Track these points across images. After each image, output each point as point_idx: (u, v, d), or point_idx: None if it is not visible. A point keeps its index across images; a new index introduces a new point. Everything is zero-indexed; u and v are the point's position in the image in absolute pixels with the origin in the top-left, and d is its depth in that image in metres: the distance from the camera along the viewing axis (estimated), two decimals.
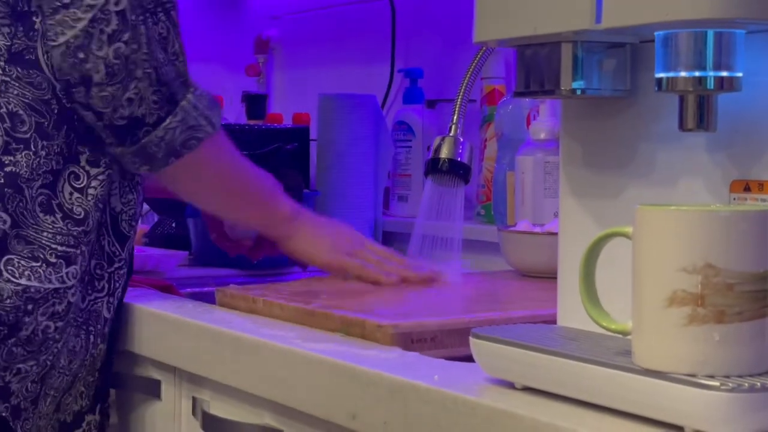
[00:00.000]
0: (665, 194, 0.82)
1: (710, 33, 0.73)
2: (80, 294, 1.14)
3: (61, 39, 1.08)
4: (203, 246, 1.64)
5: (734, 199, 0.78)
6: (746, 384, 0.65)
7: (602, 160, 0.87)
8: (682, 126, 0.77)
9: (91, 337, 1.16)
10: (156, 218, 1.84)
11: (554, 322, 0.90)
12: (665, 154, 0.83)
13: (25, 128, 1.11)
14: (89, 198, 1.14)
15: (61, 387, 1.15)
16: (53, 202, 1.12)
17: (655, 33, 0.76)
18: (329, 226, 1.33)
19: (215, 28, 2.47)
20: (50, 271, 1.11)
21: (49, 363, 1.11)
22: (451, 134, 1.32)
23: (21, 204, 1.10)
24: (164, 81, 1.12)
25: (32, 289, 1.09)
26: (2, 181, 1.09)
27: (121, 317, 1.21)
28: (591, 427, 0.68)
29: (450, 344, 0.99)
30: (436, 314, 1.04)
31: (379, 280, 1.25)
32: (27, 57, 1.11)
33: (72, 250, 1.12)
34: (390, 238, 1.87)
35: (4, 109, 1.10)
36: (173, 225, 1.78)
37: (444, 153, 1.32)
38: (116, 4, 1.09)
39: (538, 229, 1.40)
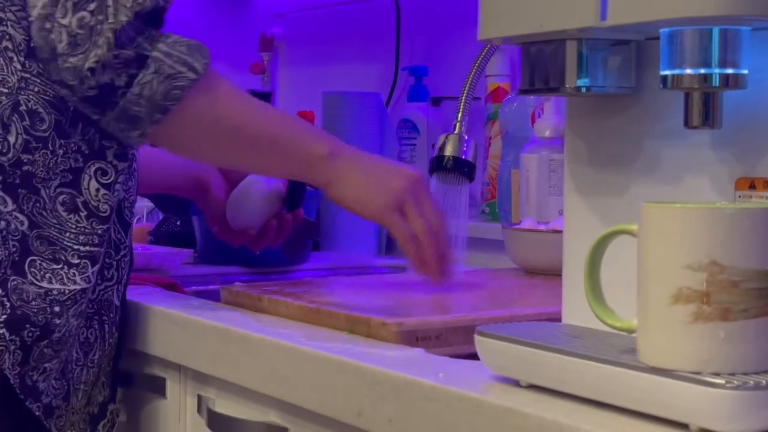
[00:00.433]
0: (670, 192, 0.82)
1: (715, 30, 0.73)
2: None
3: (34, 12, 1.05)
4: (208, 244, 1.65)
5: (739, 196, 0.78)
6: (751, 381, 0.65)
7: (607, 157, 0.87)
8: (687, 123, 0.77)
9: (106, 326, 1.15)
10: (161, 216, 1.84)
11: (559, 319, 0.90)
12: (670, 152, 0.82)
13: (44, 126, 1.09)
14: (115, 193, 1.13)
15: (90, 380, 1.15)
16: (78, 200, 1.11)
17: (660, 30, 0.76)
18: (379, 166, 1.15)
19: (220, 26, 2.47)
20: (73, 272, 1.10)
21: (65, 357, 1.11)
22: (455, 132, 1.32)
23: (39, 204, 1.09)
24: (124, 42, 1.04)
25: (55, 292, 1.08)
26: (18, 181, 1.08)
27: (126, 310, 1.21)
28: (596, 425, 0.68)
29: (455, 342, 0.99)
30: (441, 312, 1.04)
31: (420, 270, 1.14)
32: None
33: (97, 249, 1.11)
34: None
35: (24, 107, 1.08)
36: (178, 223, 1.78)
37: (449, 151, 1.31)
38: None
39: (542, 227, 1.39)
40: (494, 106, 1.76)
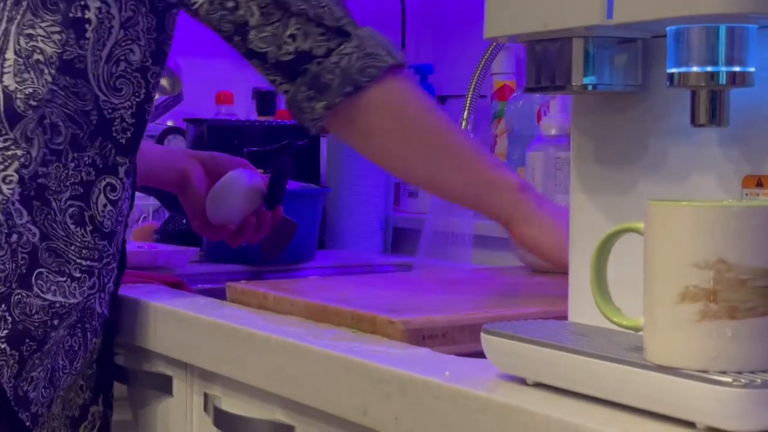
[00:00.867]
0: (677, 190, 0.82)
1: (722, 28, 0.73)
2: None
3: (199, 1, 1.07)
4: (214, 242, 1.65)
5: (746, 194, 0.78)
6: (759, 380, 0.65)
7: (613, 155, 0.87)
8: (694, 121, 0.77)
9: (88, 334, 1.15)
10: (167, 215, 1.84)
11: (565, 318, 0.90)
12: (677, 150, 0.82)
13: (60, 139, 1.09)
14: (119, 211, 1.14)
15: (65, 386, 1.15)
16: (86, 214, 1.11)
17: (667, 28, 0.76)
18: (561, 212, 1.08)
19: None
20: (75, 286, 1.11)
21: (49, 366, 1.12)
22: None
23: (50, 216, 1.09)
24: (323, 17, 1.06)
25: (57, 305, 1.09)
26: (33, 193, 1.08)
27: (120, 311, 1.21)
28: (602, 423, 0.68)
29: (461, 340, 0.99)
30: (447, 310, 1.03)
31: None
32: (77, 66, 1.10)
33: (95, 264, 1.12)
34: (401, 235, 1.87)
35: (48, 120, 1.09)
36: (184, 221, 1.78)
37: None
38: None
39: None
40: (500, 104, 1.76)
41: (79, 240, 1.11)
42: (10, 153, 1.08)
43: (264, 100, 2.05)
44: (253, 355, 1.01)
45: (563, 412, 0.70)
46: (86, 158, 1.11)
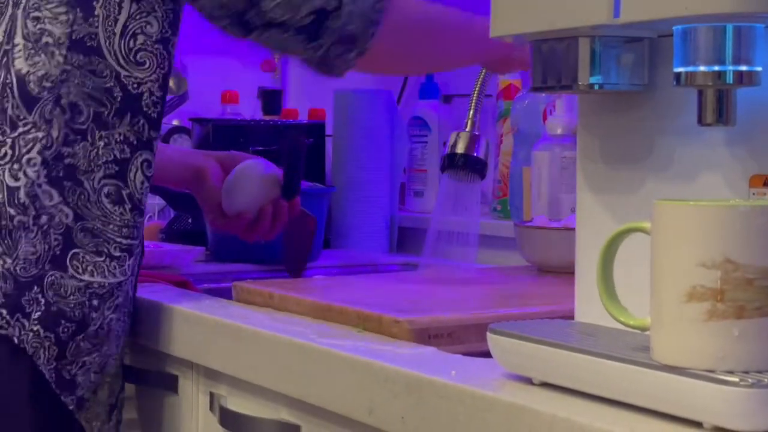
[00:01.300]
0: (683, 189, 0.82)
1: (729, 27, 0.73)
2: None
3: None
4: (220, 242, 1.65)
5: (753, 194, 0.78)
6: (766, 380, 0.65)
7: (620, 155, 0.87)
8: (700, 121, 0.77)
9: (127, 318, 1.16)
10: (173, 214, 1.84)
11: (572, 317, 0.89)
12: (684, 149, 0.82)
13: (82, 119, 1.08)
14: (150, 185, 1.14)
15: (113, 372, 1.15)
16: (123, 192, 1.11)
17: (674, 27, 0.75)
18: None
19: None
20: (114, 266, 1.10)
21: (108, 352, 1.12)
22: (467, 129, 1.32)
23: (83, 196, 1.09)
24: None
25: (95, 285, 1.09)
26: (61, 174, 1.08)
27: (137, 307, 1.21)
28: (609, 423, 0.68)
29: (467, 340, 0.99)
30: (453, 310, 1.03)
31: None
32: (89, 44, 1.09)
33: (134, 242, 1.12)
34: (406, 234, 1.87)
35: (65, 100, 1.08)
36: (189, 221, 1.78)
37: (460, 148, 1.31)
38: None
39: (554, 225, 1.39)
40: (506, 104, 1.76)
41: (118, 219, 1.10)
42: (31, 136, 1.08)
43: (269, 100, 2.05)
44: (259, 355, 1.01)
45: (569, 412, 0.70)
46: (117, 135, 1.10)
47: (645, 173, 0.85)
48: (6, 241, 1.06)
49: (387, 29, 1.12)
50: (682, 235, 0.69)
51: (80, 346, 1.08)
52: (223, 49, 2.44)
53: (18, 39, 1.09)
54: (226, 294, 1.26)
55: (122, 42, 1.10)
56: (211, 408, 1.13)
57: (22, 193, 1.07)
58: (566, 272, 1.13)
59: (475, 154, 1.31)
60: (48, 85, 1.08)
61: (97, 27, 1.09)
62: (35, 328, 1.06)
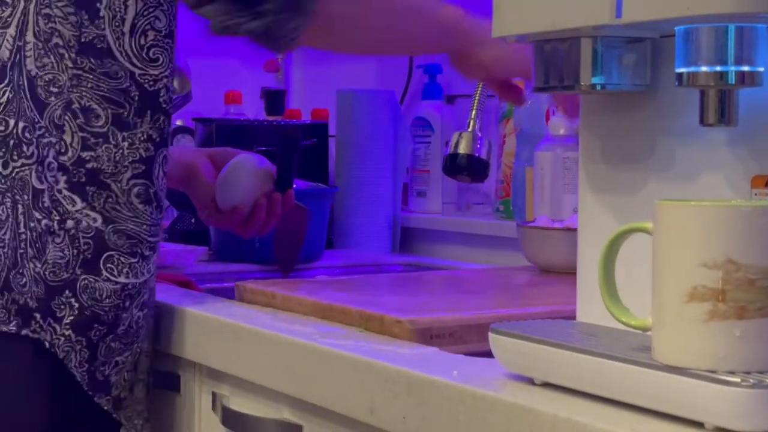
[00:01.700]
0: (685, 190, 0.82)
1: (731, 27, 0.73)
2: None
3: None
4: (222, 242, 1.65)
5: (755, 194, 0.78)
6: (767, 380, 0.65)
7: (622, 155, 0.87)
8: (702, 121, 0.77)
9: (152, 312, 1.16)
10: (175, 214, 1.84)
11: (574, 318, 0.89)
12: (685, 150, 0.82)
13: (101, 122, 1.07)
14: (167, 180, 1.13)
15: (146, 370, 1.15)
16: (150, 191, 1.10)
17: (676, 28, 0.75)
18: None
19: None
20: (143, 264, 1.10)
21: (139, 350, 1.12)
22: (469, 130, 1.32)
23: (111, 199, 1.08)
24: None
25: (130, 286, 1.09)
26: (84, 179, 1.07)
27: None
28: (610, 423, 0.68)
29: (469, 340, 0.99)
30: (455, 310, 1.03)
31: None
32: (99, 46, 1.07)
33: (157, 239, 1.12)
34: (408, 234, 1.87)
35: (77, 105, 1.07)
36: (192, 221, 1.78)
37: (462, 149, 1.31)
38: None
39: (557, 225, 1.39)
40: (508, 104, 1.76)
41: (148, 218, 1.10)
42: (45, 140, 1.07)
43: (272, 100, 2.05)
44: (261, 355, 1.01)
45: (571, 412, 0.70)
46: (140, 135, 1.09)
47: (647, 173, 0.85)
48: (36, 245, 1.06)
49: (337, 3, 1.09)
50: (683, 235, 0.69)
51: (111, 346, 1.08)
52: (226, 50, 2.44)
53: (29, 36, 1.08)
54: (228, 294, 1.26)
55: (133, 41, 1.09)
56: (214, 408, 1.13)
57: (46, 197, 1.07)
58: (568, 272, 1.13)
59: (477, 155, 1.31)
60: (55, 90, 1.07)
61: (104, 29, 1.08)
62: (67, 333, 1.06)
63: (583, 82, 0.81)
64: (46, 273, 1.06)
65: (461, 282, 1.30)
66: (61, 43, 1.07)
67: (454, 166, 1.31)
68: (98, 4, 1.08)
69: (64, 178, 1.07)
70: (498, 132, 1.77)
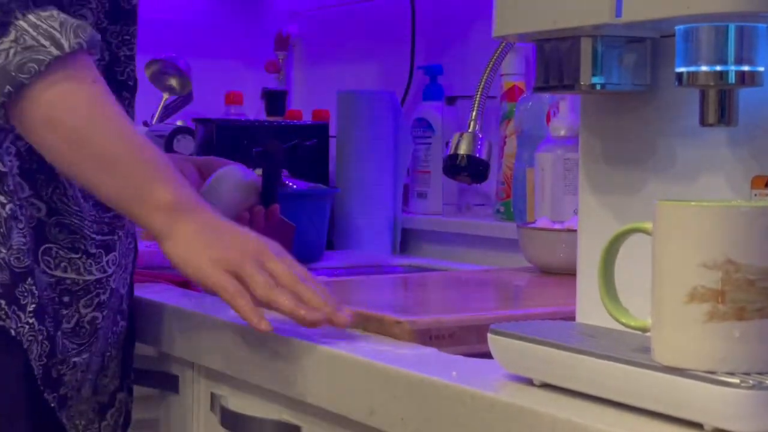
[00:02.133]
0: (685, 190, 0.82)
1: (732, 27, 0.73)
2: None
3: None
4: None
5: (755, 194, 0.77)
6: (767, 381, 0.65)
7: (622, 155, 0.86)
8: (702, 121, 0.77)
9: (117, 316, 1.15)
10: None
11: (573, 319, 0.89)
12: (685, 150, 0.82)
13: None
14: None
15: (95, 369, 1.15)
16: None
17: (676, 27, 0.75)
18: (224, 229, 1.01)
19: (235, 24, 2.47)
20: (90, 263, 1.08)
21: (98, 352, 1.11)
22: (469, 130, 1.31)
23: (58, 190, 1.06)
24: None
25: (68, 281, 1.07)
26: (35, 166, 1.05)
27: (139, 306, 1.21)
28: (609, 424, 0.68)
29: (468, 341, 0.99)
30: (454, 311, 1.03)
31: (247, 318, 0.95)
32: None
33: (109, 237, 1.10)
34: (409, 235, 1.87)
35: None
36: None
37: (462, 149, 1.31)
38: None
39: (557, 226, 1.39)
40: (509, 105, 1.76)
41: (90, 215, 1.08)
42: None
43: (273, 101, 2.05)
44: (260, 355, 1.01)
45: (570, 413, 0.70)
46: None
47: (647, 174, 0.85)
48: (1, 230, 1.03)
49: (32, 100, 0.98)
50: (683, 236, 0.69)
51: (65, 344, 1.07)
52: (226, 50, 2.45)
53: None
54: None
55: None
56: (212, 408, 1.13)
57: (9, 180, 1.04)
58: (568, 274, 1.13)
59: (477, 155, 1.30)
60: None
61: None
62: (30, 321, 1.04)
63: (583, 81, 0.81)
64: (11, 259, 1.03)
65: (461, 283, 1.30)
66: None
67: (454, 166, 1.31)
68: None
69: (18, 163, 1.05)
70: (499, 133, 1.77)
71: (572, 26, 0.79)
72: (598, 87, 0.82)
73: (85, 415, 1.14)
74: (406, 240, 1.87)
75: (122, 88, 1.14)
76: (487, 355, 0.83)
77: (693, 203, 0.70)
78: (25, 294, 1.04)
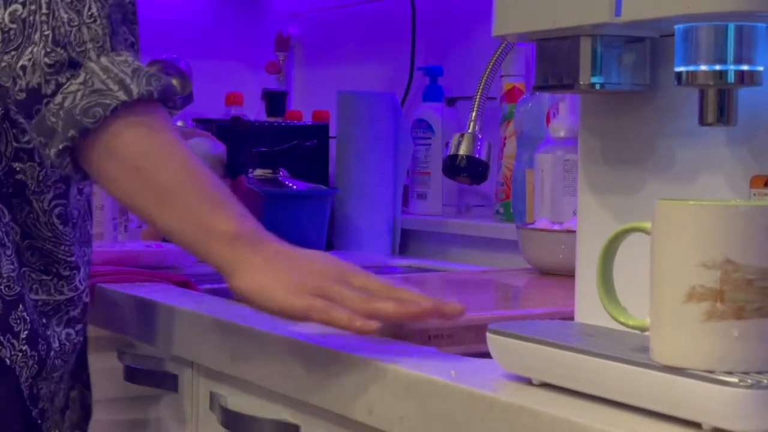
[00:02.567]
0: (685, 190, 0.82)
1: (731, 26, 0.73)
2: None
3: None
4: None
5: (754, 194, 0.77)
6: (765, 380, 0.65)
7: (621, 155, 0.86)
8: (702, 121, 0.77)
9: (81, 326, 1.12)
10: None
11: (572, 319, 0.89)
12: (685, 150, 0.82)
13: (26, 138, 1.02)
14: (84, 197, 1.09)
15: (67, 379, 1.13)
16: (68, 210, 1.07)
17: (675, 26, 0.75)
18: (297, 255, 0.94)
19: (236, 25, 2.47)
20: (62, 284, 1.07)
21: (70, 364, 1.11)
22: (469, 131, 1.31)
23: (32, 216, 1.04)
24: (63, 42, 0.94)
25: (40, 302, 1.06)
26: (11, 190, 1.04)
27: (126, 310, 1.20)
28: (608, 424, 0.68)
29: (467, 341, 0.99)
30: None
31: (350, 326, 0.88)
32: None
33: (79, 258, 1.09)
34: (409, 236, 1.87)
35: (9, 117, 1.01)
36: None
37: (462, 150, 1.31)
38: None
39: (557, 227, 1.39)
40: (509, 106, 1.76)
41: (67, 239, 1.06)
42: None
43: (273, 101, 2.05)
44: (259, 355, 1.01)
45: (569, 413, 0.70)
46: None
47: (646, 174, 0.85)
48: None
49: (98, 145, 0.94)
50: (682, 235, 0.69)
51: (55, 363, 1.06)
52: (227, 51, 2.45)
53: None
54: (227, 294, 1.25)
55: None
56: (212, 408, 1.13)
57: None
58: (568, 275, 1.13)
59: (477, 156, 1.31)
60: None
61: None
62: (24, 348, 1.02)
63: (582, 81, 0.81)
64: (2, 287, 1.02)
65: (461, 284, 1.30)
66: None
67: (453, 167, 1.31)
68: None
69: None
70: (498, 134, 1.77)
71: (572, 26, 0.79)
72: (598, 87, 0.82)
73: (58, 424, 1.12)
74: (405, 241, 1.87)
75: None
76: (486, 356, 0.82)
77: (692, 203, 0.70)
78: (18, 321, 1.02)
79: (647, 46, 0.83)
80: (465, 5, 1.95)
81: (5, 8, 0.95)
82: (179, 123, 2.05)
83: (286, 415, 1.01)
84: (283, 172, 1.72)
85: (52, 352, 1.06)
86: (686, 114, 0.81)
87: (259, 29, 2.47)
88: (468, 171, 1.31)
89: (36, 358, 1.04)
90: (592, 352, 0.73)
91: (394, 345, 0.94)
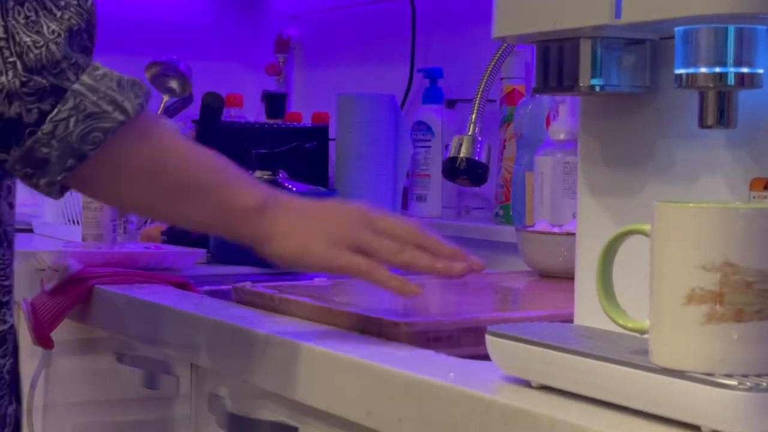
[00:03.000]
0: (684, 192, 0.81)
1: (731, 28, 0.73)
2: None
3: None
4: (221, 244, 1.64)
5: (754, 197, 0.77)
6: (764, 383, 0.65)
7: (621, 157, 0.86)
8: (701, 123, 0.76)
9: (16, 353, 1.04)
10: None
11: (571, 321, 0.89)
12: (685, 152, 0.82)
13: None
14: (13, 212, 1.01)
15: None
16: (1, 229, 0.98)
17: (675, 28, 0.75)
18: (319, 208, 0.97)
19: (235, 27, 2.47)
20: (4, 312, 0.98)
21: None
22: (469, 133, 1.31)
23: None
24: (37, 68, 0.87)
25: None
26: None
27: (125, 311, 1.19)
28: (607, 426, 0.68)
29: (466, 343, 0.99)
30: (452, 313, 1.03)
31: (395, 288, 0.94)
32: None
33: (10, 278, 1.00)
34: None
35: None
36: None
37: (462, 152, 1.31)
38: None
39: (556, 230, 1.39)
40: (509, 109, 1.76)
41: (2, 263, 0.98)
42: None
43: (273, 103, 2.05)
44: (258, 356, 1.01)
45: (568, 415, 0.70)
46: None
47: (646, 176, 0.84)
48: None
49: (99, 169, 0.91)
50: (681, 237, 0.69)
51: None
52: (227, 53, 2.45)
53: None
54: (226, 296, 1.26)
55: None
56: (211, 409, 1.13)
57: None
58: (568, 277, 1.13)
59: (476, 158, 1.30)
60: None
61: None
62: (6, 377, 0.97)
63: (582, 83, 0.81)
64: None
65: (460, 286, 1.30)
66: None
67: (453, 169, 1.31)
68: None
69: None
70: (498, 136, 1.77)
71: (572, 27, 0.79)
72: (598, 88, 0.82)
73: None
74: None
75: None
76: (485, 358, 0.82)
77: (692, 205, 0.70)
78: None
79: (647, 48, 0.83)
80: (465, 7, 1.95)
81: None
82: (179, 124, 2.05)
83: (285, 417, 1.01)
84: (282, 174, 1.72)
85: None
86: (686, 116, 0.81)
87: (259, 31, 2.47)
88: (468, 173, 1.31)
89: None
90: (592, 355, 0.73)
91: (393, 347, 0.94)
